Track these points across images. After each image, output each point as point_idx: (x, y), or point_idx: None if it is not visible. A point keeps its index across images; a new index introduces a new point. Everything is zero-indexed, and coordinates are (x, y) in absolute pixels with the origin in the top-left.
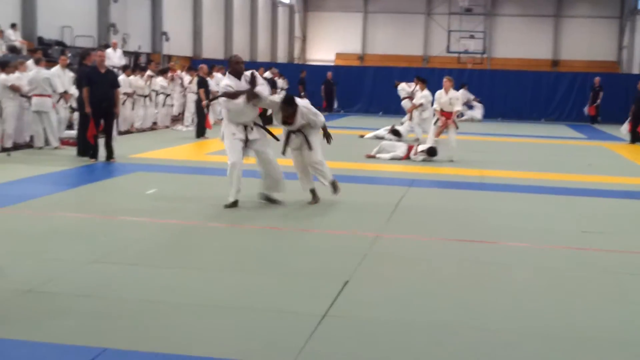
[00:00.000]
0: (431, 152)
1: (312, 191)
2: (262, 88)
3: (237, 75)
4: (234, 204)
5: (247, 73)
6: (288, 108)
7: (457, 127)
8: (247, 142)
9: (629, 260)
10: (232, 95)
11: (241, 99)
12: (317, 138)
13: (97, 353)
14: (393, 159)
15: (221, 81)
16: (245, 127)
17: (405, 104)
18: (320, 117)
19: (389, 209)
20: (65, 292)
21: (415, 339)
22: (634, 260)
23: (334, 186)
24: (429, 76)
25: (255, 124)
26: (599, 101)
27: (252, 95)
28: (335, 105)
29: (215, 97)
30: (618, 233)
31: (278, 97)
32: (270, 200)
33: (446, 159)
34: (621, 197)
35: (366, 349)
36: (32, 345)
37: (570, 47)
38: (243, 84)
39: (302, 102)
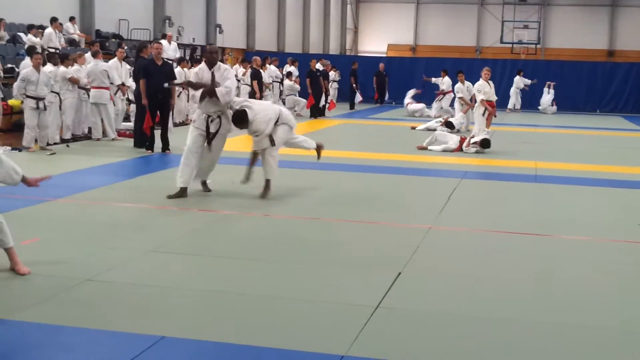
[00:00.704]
0: (484, 143)
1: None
2: (225, 89)
3: (210, 65)
4: (181, 193)
5: (223, 66)
6: (238, 125)
7: (495, 116)
8: (208, 133)
9: None
10: (193, 85)
11: (199, 93)
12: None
13: (154, 341)
14: (445, 150)
15: (273, 73)
16: (209, 117)
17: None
18: (267, 131)
19: (442, 201)
20: (123, 281)
21: (468, 332)
22: None
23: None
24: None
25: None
26: None
27: (208, 93)
28: (387, 96)
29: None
30: None
31: (241, 101)
32: (204, 187)
33: (499, 150)
34: None
35: (418, 340)
36: (91, 333)
37: (626, 37)
38: (208, 77)
39: (261, 115)
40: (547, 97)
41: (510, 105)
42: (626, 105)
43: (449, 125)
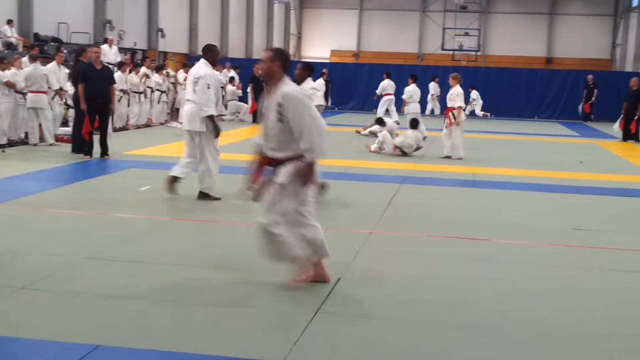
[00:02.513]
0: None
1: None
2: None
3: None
4: (172, 180)
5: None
6: None
7: (457, 124)
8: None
9: (619, 258)
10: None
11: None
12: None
13: (89, 350)
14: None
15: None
16: None
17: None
18: None
19: (383, 206)
20: (58, 289)
21: (408, 335)
22: (625, 257)
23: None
24: (424, 74)
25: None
26: (593, 99)
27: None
28: (330, 102)
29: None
30: (609, 230)
31: None
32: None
33: (438, 156)
34: (613, 194)
35: (357, 345)
36: (25, 342)
37: (564, 45)
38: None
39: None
40: (477, 107)
41: (427, 111)
42: (563, 111)
43: (380, 122)
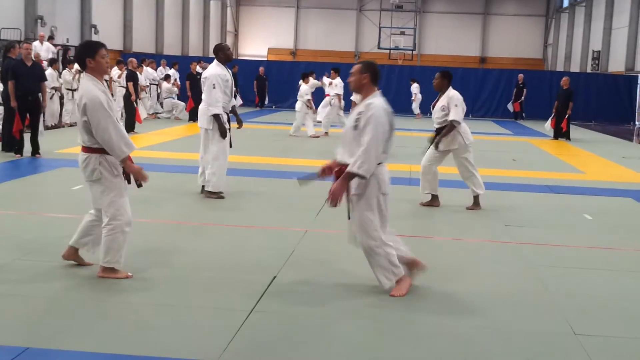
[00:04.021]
0: None
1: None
2: None
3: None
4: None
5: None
6: None
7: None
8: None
9: (548, 253)
10: None
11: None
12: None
13: (18, 352)
14: None
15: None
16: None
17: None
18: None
19: (319, 203)
20: None
21: (335, 332)
22: (553, 252)
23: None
24: None
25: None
26: (522, 98)
27: None
28: (267, 100)
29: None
30: (539, 227)
31: None
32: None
33: None
34: (543, 191)
35: (291, 343)
36: None
37: (497, 45)
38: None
39: None
40: (414, 104)
41: None
42: (497, 110)
43: None
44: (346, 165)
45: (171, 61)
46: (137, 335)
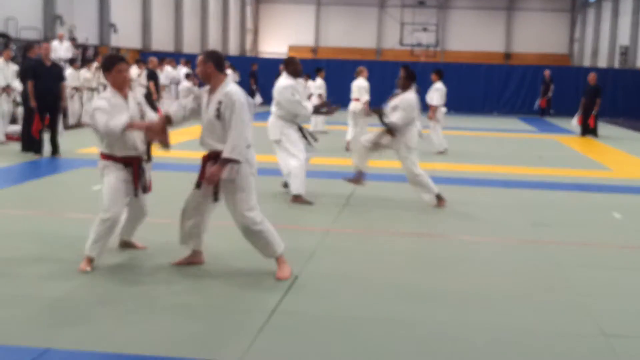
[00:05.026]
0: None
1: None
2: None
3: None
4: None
5: None
6: None
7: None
8: None
9: (575, 252)
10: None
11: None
12: None
13: (39, 353)
14: None
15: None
16: None
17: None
18: None
19: (340, 203)
20: (8, 291)
21: (362, 335)
22: (581, 252)
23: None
24: (382, 69)
25: None
26: (550, 94)
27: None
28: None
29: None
30: (566, 225)
31: None
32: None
33: None
34: (570, 189)
35: (313, 344)
36: None
37: (522, 40)
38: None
39: None
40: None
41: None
42: (522, 107)
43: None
44: (215, 152)
45: (191, 60)
46: (158, 335)
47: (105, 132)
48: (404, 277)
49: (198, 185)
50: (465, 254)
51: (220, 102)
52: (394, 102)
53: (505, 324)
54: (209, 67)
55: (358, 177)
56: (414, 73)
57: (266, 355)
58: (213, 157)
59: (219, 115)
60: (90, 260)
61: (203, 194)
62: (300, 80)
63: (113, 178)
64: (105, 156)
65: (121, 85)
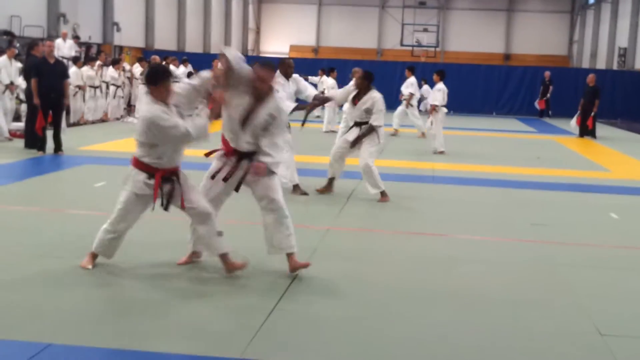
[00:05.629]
0: None
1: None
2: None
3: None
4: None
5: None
6: None
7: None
8: None
9: (573, 252)
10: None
11: None
12: None
13: (41, 348)
14: None
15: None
16: None
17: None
18: None
19: (341, 202)
20: (8, 287)
21: (361, 334)
22: (578, 252)
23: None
24: (383, 69)
25: None
26: (548, 95)
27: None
28: None
29: None
30: (564, 225)
31: None
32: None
33: (398, 151)
34: (568, 189)
35: (312, 343)
36: None
37: (522, 41)
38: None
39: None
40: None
41: None
42: (521, 107)
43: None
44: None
45: (193, 59)
46: (157, 331)
47: (197, 136)
48: (403, 276)
49: (226, 179)
50: (463, 254)
51: (271, 115)
52: (364, 104)
53: (502, 323)
54: (273, 76)
55: (329, 185)
56: (371, 74)
57: (265, 353)
58: (245, 155)
59: (266, 123)
60: (93, 257)
61: (224, 187)
62: (315, 78)
63: (133, 195)
64: (145, 166)
65: (166, 98)
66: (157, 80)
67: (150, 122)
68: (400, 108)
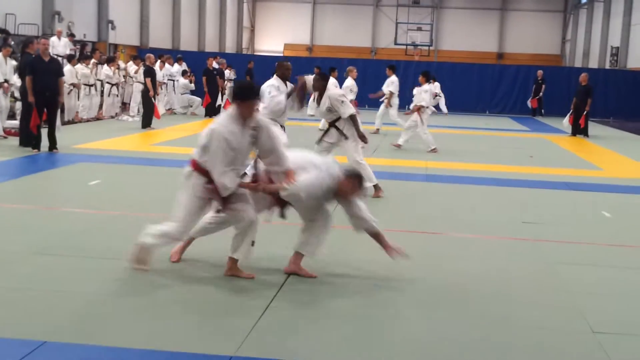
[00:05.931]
0: None
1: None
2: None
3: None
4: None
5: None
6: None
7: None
8: None
9: (565, 250)
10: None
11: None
12: None
13: (36, 346)
14: None
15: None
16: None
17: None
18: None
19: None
20: (3, 284)
21: (359, 333)
22: (571, 250)
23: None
24: (377, 68)
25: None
26: (541, 94)
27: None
28: None
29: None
30: (557, 224)
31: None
32: None
33: (391, 149)
34: (561, 188)
35: (308, 341)
36: None
37: (515, 40)
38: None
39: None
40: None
41: None
42: (514, 106)
43: None
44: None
45: (188, 57)
46: (152, 329)
47: (224, 187)
48: (399, 273)
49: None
50: (457, 252)
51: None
52: (324, 104)
53: (495, 321)
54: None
55: None
56: (325, 74)
57: (259, 350)
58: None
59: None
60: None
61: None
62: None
63: (194, 198)
64: (205, 171)
65: (248, 116)
66: (245, 97)
67: (212, 135)
68: (382, 108)
